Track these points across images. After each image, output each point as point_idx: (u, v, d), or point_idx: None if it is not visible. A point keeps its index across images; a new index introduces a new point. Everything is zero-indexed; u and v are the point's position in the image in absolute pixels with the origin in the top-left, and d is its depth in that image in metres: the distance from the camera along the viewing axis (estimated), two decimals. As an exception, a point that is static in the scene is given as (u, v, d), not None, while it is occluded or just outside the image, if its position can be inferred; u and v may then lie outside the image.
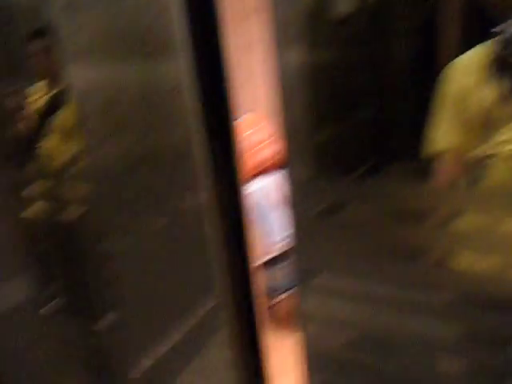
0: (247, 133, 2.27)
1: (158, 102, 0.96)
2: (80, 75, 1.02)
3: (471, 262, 0.94)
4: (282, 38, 1.00)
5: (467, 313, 0.88)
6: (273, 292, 2.25)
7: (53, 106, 1.20)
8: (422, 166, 1.09)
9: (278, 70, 1.07)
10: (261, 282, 2.27)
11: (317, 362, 1.07)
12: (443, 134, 1.09)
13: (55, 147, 1.20)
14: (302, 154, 1.12)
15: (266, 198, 2.18)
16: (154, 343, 1.18)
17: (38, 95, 1.18)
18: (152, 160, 1.00)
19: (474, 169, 1.05)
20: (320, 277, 1.16)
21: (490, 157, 1.02)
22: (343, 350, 1.10)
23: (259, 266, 2.21)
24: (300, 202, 1.13)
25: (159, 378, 1.19)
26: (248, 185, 2.18)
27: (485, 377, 0.87)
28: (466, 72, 1.04)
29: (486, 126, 1.00)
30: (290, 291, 2.08)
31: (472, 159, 1.05)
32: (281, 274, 2.22)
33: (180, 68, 0.84)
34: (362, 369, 1.05)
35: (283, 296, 2.23)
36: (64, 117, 1.20)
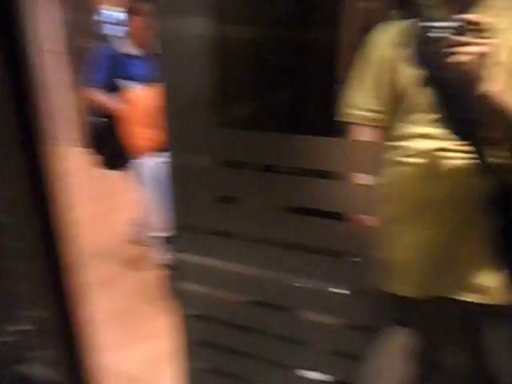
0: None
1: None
2: None
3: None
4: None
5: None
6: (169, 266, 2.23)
7: None
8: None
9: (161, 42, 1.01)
10: (155, 256, 2.24)
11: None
12: (361, 99, 1.00)
13: None
14: (185, 136, 1.10)
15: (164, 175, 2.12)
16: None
17: None
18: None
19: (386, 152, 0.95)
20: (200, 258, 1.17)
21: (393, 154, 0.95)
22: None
23: (153, 240, 2.19)
24: (184, 184, 1.12)
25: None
26: (146, 158, 2.12)
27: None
28: (391, 42, 0.95)
29: (400, 103, 0.93)
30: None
31: (389, 138, 0.97)
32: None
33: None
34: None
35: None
36: None
